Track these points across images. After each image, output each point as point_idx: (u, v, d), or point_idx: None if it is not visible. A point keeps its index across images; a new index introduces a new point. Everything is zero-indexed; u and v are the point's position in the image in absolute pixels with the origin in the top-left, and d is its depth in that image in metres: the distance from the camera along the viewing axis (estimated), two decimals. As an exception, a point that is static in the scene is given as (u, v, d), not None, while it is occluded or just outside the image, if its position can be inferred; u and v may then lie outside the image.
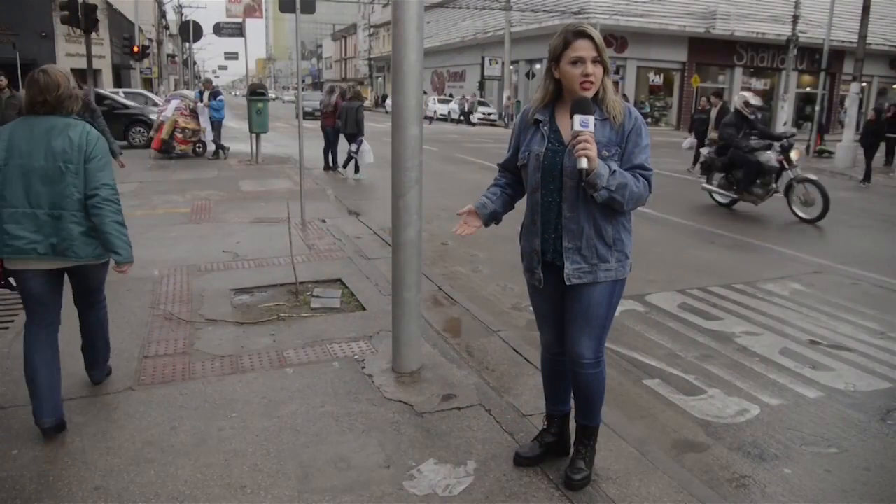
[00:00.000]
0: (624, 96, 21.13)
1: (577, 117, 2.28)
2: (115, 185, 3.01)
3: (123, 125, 16.31)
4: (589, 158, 2.25)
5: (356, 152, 11.89)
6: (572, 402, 2.72)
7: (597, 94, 2.41)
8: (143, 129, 16.61)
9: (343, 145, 12.85)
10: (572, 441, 2.74)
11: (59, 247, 2.93)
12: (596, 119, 2.36)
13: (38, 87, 2.92)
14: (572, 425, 2.75)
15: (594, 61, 2.34)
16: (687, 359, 4.21)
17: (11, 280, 3.03)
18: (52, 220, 2.89)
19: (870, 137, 14.34)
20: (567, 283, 2.46)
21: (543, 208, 2.47)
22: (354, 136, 12.03)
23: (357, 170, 12.13)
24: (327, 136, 13.14)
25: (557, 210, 2.44)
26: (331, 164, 13.09)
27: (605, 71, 2.40)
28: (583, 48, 2.33)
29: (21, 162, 2.85)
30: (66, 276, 3.16)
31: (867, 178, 13.90)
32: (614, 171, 2.31)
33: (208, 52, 79.24)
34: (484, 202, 2.64)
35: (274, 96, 65.32)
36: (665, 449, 3.10)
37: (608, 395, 2.75)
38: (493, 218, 2.66)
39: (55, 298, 3.13)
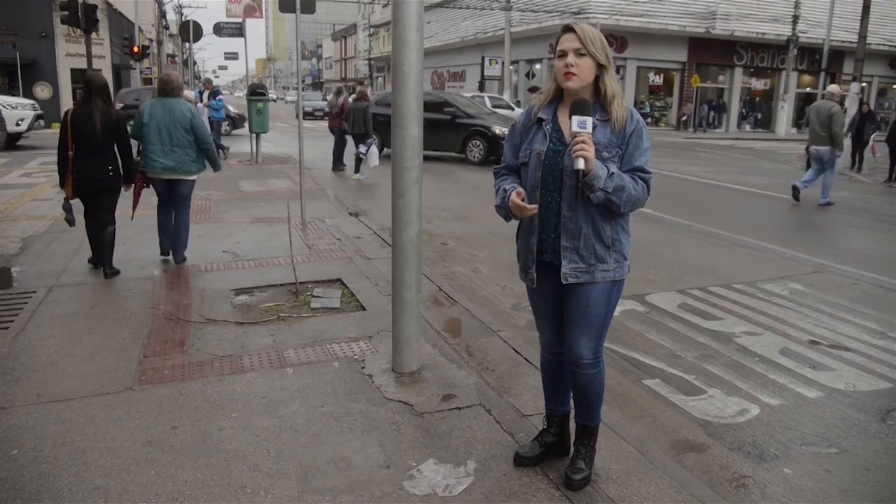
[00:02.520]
0: None
1: (575, 118, 2.29)
2: (209, 136, 5.81)
3: (463, 136, 13.88)
4: (586, 159, 2.26)
5: (365, 154, 11.86)
6: (572, 402, 2.72)
7: (601, 95, 2.42)
8: (480, 143, 13.69)
9: (350, 147, 12.96)
10: (572, 441, 2.74)
11: (174, 167, 5.54)
12: (597, 120, 2.37)
13: (164, 81, 5.71)
14: (572, 425, 2.75)
15: (578, 53, 2.36)
16: (687, 359, 4.21)
17: (150, 184, 5.71)
18: (172, 152, 5.51)
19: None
20: (564, 283, 2.46)
21: (542, 207, 2.47)
22: (363, 136, 12.02)
23: (357, 169, 12.16)
24: (336, 136, 13.37)
25: (556, 209, 2.44)
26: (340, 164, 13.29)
27: (603, 67, 2.39)
28: (565, 41, 2.39)
29: (156, 121, 5.47)
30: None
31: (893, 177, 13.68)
32: (612, 173, 2.31)
33: (208, 52, 79.43)
34: (519, 189, 2.48)
35: (275, 97, 65.52)
36: (665, 449, 3.10)
37: (608, 395, 2.76)
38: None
39: (169, 195, 5.74)
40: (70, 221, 5.46)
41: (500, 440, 2.95)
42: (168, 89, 5.60)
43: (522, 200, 2.41)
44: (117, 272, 5.40)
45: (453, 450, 2.87)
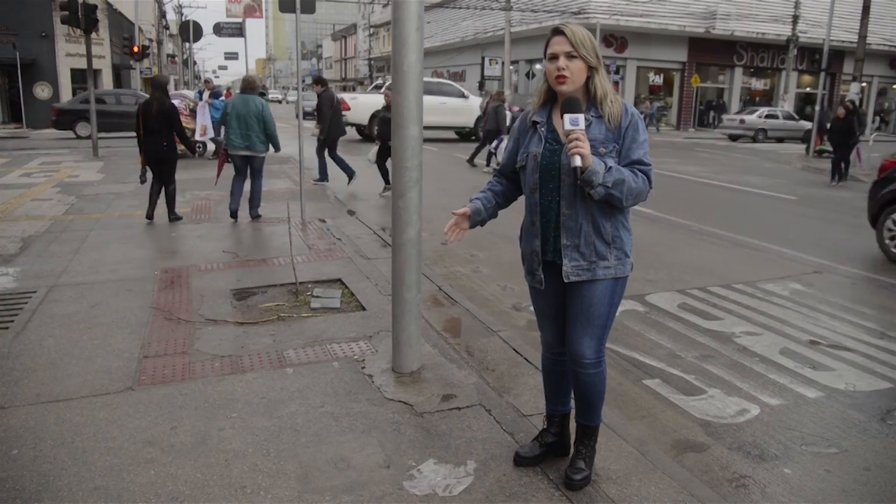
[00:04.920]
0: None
1: (567, 116, 2.29)
2: (274, 126, 7.62)
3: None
4: (582, 156, 2.25)
5: (495, 149, 13.27)
6: (572, 402, 2.72)
7: (591, 92, 2.42)
8: None
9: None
10: (572, 441, 2.74)
11: (248, 146, 7.44)
12: (592, 117, 2.38)
13: (246, 81, 7.81)
14: (572, 425, 2.75)
15: (569, 56, 2.36)
16: (687, 359, 4.21)
17: (230, 159, 7.68)
18: (247, 136, 7.39)
19: (840, 136, 13.84)
20: (566, 281, 2.46)
21: (543, 208, 2.48)
22: (494, 133, 13.33)
23: (488, 162, 13.61)
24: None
25: (557, 209, 2.45)
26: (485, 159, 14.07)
27: (594, 68, 2.39)
28: (555, 44, 2.38)
29: (236, 112, 7.35)
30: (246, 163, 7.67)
31: (841, 175, 13.81)
32: (610, 167, 2.31)
33: (208, 52, 79.23)
34: (478, 208, 2.62)
35: (280, 97, 65.37)
36: (665, 449, 3.10)
37: (608, 394, 2.75)
38: (480, 224, 2.68)
39: (244, 168, 7.67)
40: (141, 180, 7.60)
41: (500, 440, 2.95)
42: (248, 89, 7.65)
43: (463, 218, 2.58)
44: (179, 218, 7.51)
45: (453, 450, 2.87)
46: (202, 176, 11.31)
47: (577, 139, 2.26)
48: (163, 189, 7.49)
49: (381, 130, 10.12)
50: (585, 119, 2.34)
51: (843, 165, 14.08)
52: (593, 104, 2.41)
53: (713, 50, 31.06)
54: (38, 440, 2.89)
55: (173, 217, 7.47)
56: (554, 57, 2.37)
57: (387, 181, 9.92)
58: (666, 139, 25.22)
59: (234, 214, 7.61)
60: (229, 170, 7.92)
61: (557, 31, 2.39)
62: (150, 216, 7.42)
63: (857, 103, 15.72)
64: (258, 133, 7.40)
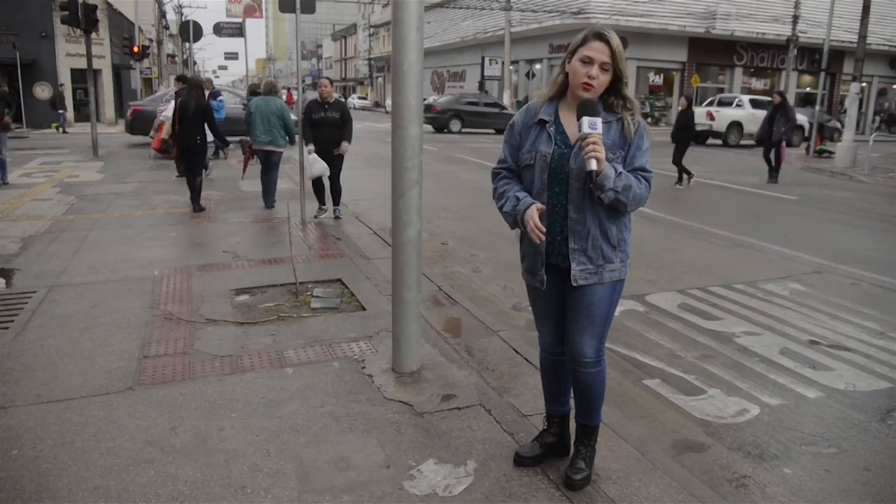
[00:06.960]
0: None
1: (585, 119, 2.27)
2: (292, 123, 8.52)
3: None
4: (598, 160, 2.25)
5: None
6: (572, 403, 2.72)
7: (609, 100, 2.42)
8: None
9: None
10: (572, 441, 2.74)
11: (270, 140, 8.30)
12: (602, 122, 2.37)
13: (267, 84, 8.86)
14: (572, 425, 2.76)
15: (603, 67, 2.34)
16: (687, 359, 4.21)
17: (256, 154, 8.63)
18: (269, 132, 8.27)
19: (678, 130, 12.32)
20: (574, 285, 2.46)
21: (549, 210, 2.46)
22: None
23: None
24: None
25: (563, 212, 2.44)
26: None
27: (620, 79, 2.39)
28: (596, 49, 2.33)
29: (259, 111, 8.25)
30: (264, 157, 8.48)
31: (685, 177, 12.01)
32: (620, 172, 2.33)
33: (208, 52, 79.28)
34: (541, 206, 2.44)
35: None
36: (665, 449, 3.10)
37: (608, 395, 2.76)
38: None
39: (267, 161, 8.46)
40: (178, 174, 9.25)
41: (500, 440, 2.95)
42: (268, 91, 8.64)
43: (540, 216, 2.37)
44: (203, 208, 8.24)
45: (453, 450, 2.87)
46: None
47: (594, 143, 2.25)
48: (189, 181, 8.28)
49: (316, 135, 7.66)
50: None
51: (772, 162, 12.99)
52: (612, 109, 2.42)
53: (713, 50, 31.07)
54: (38, 440, 2.89)
55: (197, 208, 8.17)
56: (589, 61, 2.33)
57: (322, 202, 8.11)
58: (665, 139, 25.19)
59: (271, 206, 8.54)
60: (255, 168, 8.85)
61: (600, 37, 2.34)
62: (197, 206, 8.18)
63: (786, 96, 13.27)
64: (279, 129, 8.31)
